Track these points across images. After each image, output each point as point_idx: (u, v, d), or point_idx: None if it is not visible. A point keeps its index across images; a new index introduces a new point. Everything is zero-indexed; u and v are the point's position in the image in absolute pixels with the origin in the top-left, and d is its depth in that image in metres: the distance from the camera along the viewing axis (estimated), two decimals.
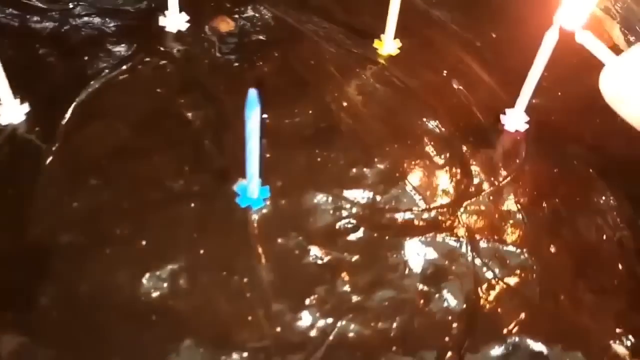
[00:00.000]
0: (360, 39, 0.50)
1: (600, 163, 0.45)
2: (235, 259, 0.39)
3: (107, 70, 0.45)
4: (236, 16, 0.49)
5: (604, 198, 0.44)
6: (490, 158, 0.45)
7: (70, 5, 0.48)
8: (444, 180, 0.44)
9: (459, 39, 0.51)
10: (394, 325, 0.38)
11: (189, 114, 0.44)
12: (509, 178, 0.44)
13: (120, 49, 0.46)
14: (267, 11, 0.50)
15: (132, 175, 0.41)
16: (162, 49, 0.47)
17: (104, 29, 0.47)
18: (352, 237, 0.41)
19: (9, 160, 0.41)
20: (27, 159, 0.41)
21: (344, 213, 0.41)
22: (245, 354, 0.35)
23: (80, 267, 0.38)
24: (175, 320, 0.36)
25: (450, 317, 0.38)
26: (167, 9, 0.47)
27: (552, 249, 0.42)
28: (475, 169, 0.44)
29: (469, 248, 0.41)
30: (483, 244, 0.41)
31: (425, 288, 0.39)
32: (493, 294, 0.40)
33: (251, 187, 0.40)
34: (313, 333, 0.37)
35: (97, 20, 0.47)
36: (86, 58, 0.45)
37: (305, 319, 0.37)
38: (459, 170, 0.44)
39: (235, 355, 0.35)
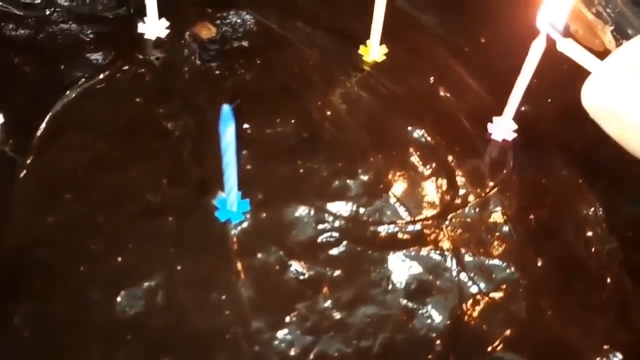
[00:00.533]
0: (345, 45, 0.49)
1: (589, 173, 0.44)
2: (214, 275, 0.38)
3: (83, 79, 0.43)
4: (218, 22, 0.48)
5: (593, 209, 0.43)
6: (477, 168, 0.44)
7: (47, 12, 0.47)
8: (429, 192, 0.43)
9: (446, 44, 0.50)
10: (377, 342, 0.37)
11: (168, 124, 0.43)
12: (495, 189, 0.43)
13: (98, 57, 0.45)
14: (250, 16, 0.49)
15: (109, 189, 0.40)
16: (140, 56, 0.45)
17: (81, 37, 0.46)
18: (335, 251, 0.40)
19: None
20: (1, 171, 0.40)
21: (326, 226, 0.40)
22: None
23: (55, 284, 0.37)
24: (151, 339, 0.36)
25: (434, 334, 0.38)
26: (146, 15, 0.46)
27: (539, 262, 0.41)
28: (461, 179, 0.43)
29: (454, 262, 0.40)
30: (468, 258, 0.40)
31: (409, 304, 0.38)
32: (478, 309, 0.39)
33: (230, 201, 0.39)
34: (293, 352, 0.36)
35: (74, 27, 0.46)
36: (62, 67, 0.44)
37: (285, 337, 0.36)
38: (444, 181, 0.43)
39: None
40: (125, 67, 0.45)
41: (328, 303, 0.38)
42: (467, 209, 0.42)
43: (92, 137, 0.41)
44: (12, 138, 0.41)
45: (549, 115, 0.47)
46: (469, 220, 0.42)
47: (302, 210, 0.41)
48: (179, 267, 0.38)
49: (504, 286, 0.40)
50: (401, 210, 0.42)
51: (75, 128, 0.42)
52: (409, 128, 0.45)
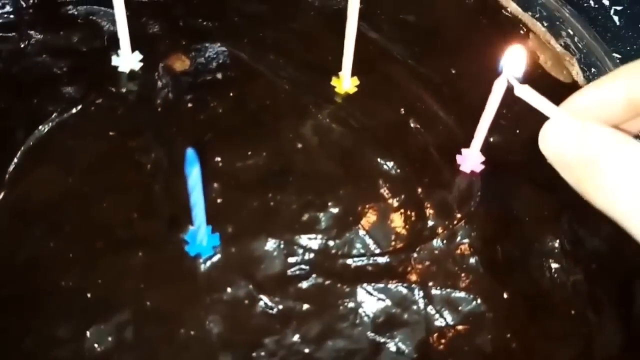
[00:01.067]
0: (317, 76, 0.49)
1: (555, 205, 0.45)
2: (183, 310, 0.38)
3: (56, 113, 0.44)
4: (192, 54, 0.49)
5: (558, 241, 0.43)
6: (445, 200, 0.44)
7: (22, 45, 0.47)
8: (398, 224, 0.43)
9: (417, 76, 0.51)
10: None
11: (140, 158, 0.43)
12: (463, 221, 0.43)
13: (71, 91, 0.45)
14: (224, 48, 0.49)
15: (80, 223, 0.40)
16: (114, 89, 0.46)
17: (55, 70, 0.46)
18: (304, 284, 0.40)
19: None
20: None
21: (296, 259, 0.41)
22: None
23: (23, 321, 0.37)
24: None
25: None
26: (120, 48, 0.47)
27: (505, 295, 0.41)
28: (429, 211, 0.44)
29: (422, 295, 0.41)
30: (435, 291, 0.41)
31: (377, 337, 0.39)
32: (445, 342, 0.39)
33: (199, 237, 0.39)
34: None
35: (48, 60, 0.46)
36: (35, 101, 0.44)
37: None
38: (413, 213, 0.44)
39: None
40: (99, 101, 0.45)
41: (296, 337, 0.38)
42: (435, 241, 0.43)
43: (64, 171, 0.42)
44: None
45: (517, 146, 0.48)
46: (436, 252, 0.42)
47: (272, 244, 0.41)
48: (148, 303, 0.38)
49: (470, 319, 0.40)
50: (370, 243, 0.42)
51: (48, 163, 0.42)
52: (379, 160, 0.45)
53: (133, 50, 0.48)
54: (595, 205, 0.27)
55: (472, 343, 0.39)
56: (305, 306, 0.39)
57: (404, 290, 0.41)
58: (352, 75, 0.49)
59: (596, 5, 0.66)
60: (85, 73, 0.46)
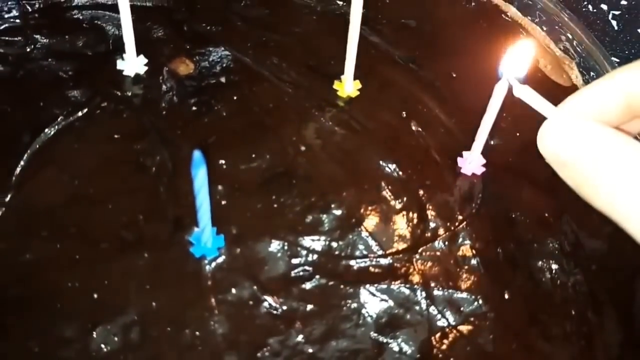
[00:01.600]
0: (320, 80, 0.50)
1: (555, 207, 0.45)
2: (188, 311, 0.39)
3: (62, 117, 0.44)
4: (195, 58, 0.49)
5: (558, 243, 0.44)
6: (447, 202, 0.45)
7: (27, 49, 0.48)
8: (400, 226, 0.44)
9: (418, 79, 0.51)
10: None
11: (145, 161, 0.44)
12: (464, 223, 0.44)
13: (77, 94, 0.46)
14: (227, 52, 0.50)
15: (86, 225, 0.41)
16: (119, 93, 0.46)
17: (61, 74, 0.46)
18: (307, 285, 0.41)
19: None
20: None
21: (300, 261, 0.41)
22: None
23: (30, 321, 0.37)
24: None
25: None
26: (125, 52, 0.47)
27: (506, 295, 0.42)
28: (431, 213, 0.44)
29: (424, 295, 0.41)
30: (438, 291, 0.41)
31: (380, 337, 0.39)
32: (447, 342, 0.40)
33: (204, 238, 0.39)
34: None
35: (53, 64, 0.47)
36: (41, 104, 0.45)
37: None
38: (415, 215, 0.44)
39: None
40: (104, 104, 0.46)
41: (300, 337, 0.39)
42: (436, 242, 0.43)
43: (70, 174, 0.42)
44: None
45: (517, 149, 0.48)
46: (438, 253, 0.43)
47: (275, 245, 0.42)
48: (153, 304, 0.38)
49: (472, 319, 0.41)
50: (373, 244, 0.43)
51: (54, 165, 0.42)
52: (381, 162, 0.46)
53: (138, 54, 0.48)
54: (594, 206, 0.28)
55: (474, 343, 0.40)
56: (309, 307, 0.40)
57: (407, 291, 0.41)
58: (354, 78, 0.50)
59: (594, 10, 0.66)
60: (91, 77, 0.47)
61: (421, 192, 0.45)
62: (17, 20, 0.49)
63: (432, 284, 0.42)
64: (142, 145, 0.44)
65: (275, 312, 0.39)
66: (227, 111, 0.47)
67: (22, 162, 0.42)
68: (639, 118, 0.30)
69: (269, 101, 0.48)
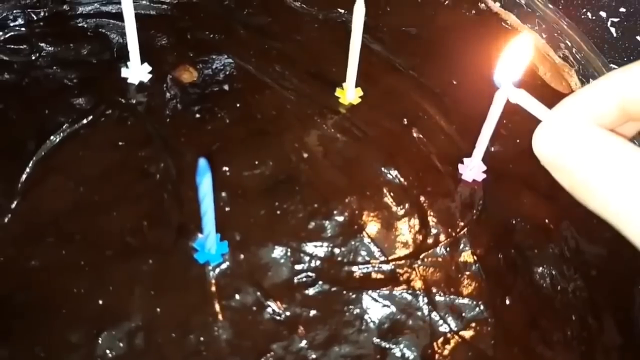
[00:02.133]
0: (322, 87, 0.50)
1: (554, 213, 0.46)
2: (192, 316, 0.39)
3: (67, 124, 0.45)
4: (199, 66, 0.50)
5: (558, 248, 0.44)
6: (448, 208, 0.45)
7: (33, 57, 0.48)
8: (402, 232, 0.44)
9: (419, 86, 0.52)
10: None
11: (149, 168, 0.44)
12: (465, 229, 0.44)
13: (82, 102, 0.46)
14: (230, 60, 0.50)
15: (91, 232, 0.41)
16: (123, 101, 0.47)
17: (66, 82, 0.47)
18: (310, 291, 0.41)
19: None
20: None
21: (303, 267, 0.42)
22: None
23: (36, 327, 0.38)
24: None
25: None
26: (129, 60, 0.48)
27: (507, 301, 0.42)
28: (432, 219, 0.45)
29: (426, 301, 0.41)
30: (439, 297, 0.42)
31: (382, 343, 0.40)
32: (449, 348, 0.40)
33: (208, 245, 0.40)
34: None
35: (58, 72, 0.47)
36: (47, 111, 0.45)
37: None
38: (417, 221, 0.45)
39: None
40: (109, 112, 0.46)
41: (303, 343, 0.39)
42: (438, 248, 0.44)
43: (75, 181, 0.43)
44: None
45: (517, 155, 0.49)
46: (440, 259, 0.43)
47: (278, 251, 0.42)
48: (158, 309, 0.39)
49: (473, 324, 0.41)
50: (375, 250, 0.43)
51: (59, 172, 0.43)
52: (383, 169, 0.46)
53: (142, 62, 0.49)
54: (589, 207, 0.27)
55: (476, 348, 0.40)
56: (312, 312, 0.40)
57: (409, 297, 0.42)
58: (356, 86, 0.50)
59: (593, 17, 0.67)
60: (95, 84, 0.47)
61: (422, 198, 0.46)
62: (23, 29, 0.50)
63: (434, 290, 0.42)
64: (146, 152, 0.45)
65: (278, 317, 0.40)
66: (230, 118, 0.48)
67: (27, 169, 0.43)
68: (635, 121, 0.30)
69: (272, 108, 0.49)
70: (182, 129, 0.46)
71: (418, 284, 0.42)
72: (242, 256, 0.41)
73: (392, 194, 0.45)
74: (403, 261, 0.43)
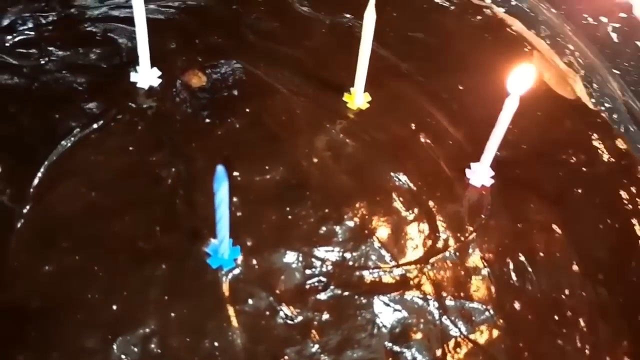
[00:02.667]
0: (330, 92, 0.51)
1: (562, 218, 0.46)
2: (206, 321, 0.39)
3: (78, 129, 0.45)
4: (208, 70, 0.50)
5: (566, 253, 0.45)
6: (457, 213, 0.46)
7: (42, 62, 0.48)
8: (411, 236, 0.44)
9: (426, 92, 0.52)
10: None
11: (161, 172, 0.44)
12: (474, 234, 0.45)
13: (92, 107, 0.46)
14: (239, 65, 0.51)
15: (103, 237, 0.41)
16: (133, 105, 0.47)
17: (76, 86, 0.47)
18: (322, 295, 0.41)
19: None
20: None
21: (314, 271, 0.42)
22: None
23: (51, 333, 0.38)
24: None
25: None
26: (138, 64, 0.48)
27: (517, 305, 0.43)
28: (442, 224, 0.45)
29: (436, 305, 0.42)
30: (449, 301, 0.42)
31: (394, 347, 0.40)
32: (460, 351, 0.41)
33: (222, 250, 0.40)
34: None
35: (68, 76, 0.47)
36: (57, 116, 0.45)
37: None
38: (426, 226, 0.45)
39: None
40: (119, 117, 0.46)
41: (316, 347, 0.40)
42: (447, 253, 0.44)
43: (87, 186, 0.43)
44: (9, 188, 0.42)
45: (525, 161, 0.50)
46: (449, 264, 0.44)
47: (290, 256, 0.42)
48: (172, 314, 0.39)
49: (483, 328, 0.42)
50: (385, 255, 0.43)
51: (71, 177, 0.43)
52: (392, 174, 0.47)
53: (151, 66, 0.49)
54: None
55: (486, 352, 0.41)
56: (325, 317, 0.41)
57: (419, 301, 0.42)
58: (365, 91, 0.51)
59: (595, 23, 0.68)
60: (105, 89, 0.47)
61: (431, 203, 0.46)
62: (32, 33, 0.50)
63: (444, 294, 0.42)
64: (157, 157, 0.45)
65: (291, 322, 0.40)
66: (240, 123, 0.48)
67: (39, 174, 0.43)
68: None
69: (281, 114, 0.49)
70: (192, 134, 0.47)
71: (428, 288, 0.43)
72: (254, 261, 0.42)
73: (401, 198, 0.46)
74: (413, 266, 0.43)
